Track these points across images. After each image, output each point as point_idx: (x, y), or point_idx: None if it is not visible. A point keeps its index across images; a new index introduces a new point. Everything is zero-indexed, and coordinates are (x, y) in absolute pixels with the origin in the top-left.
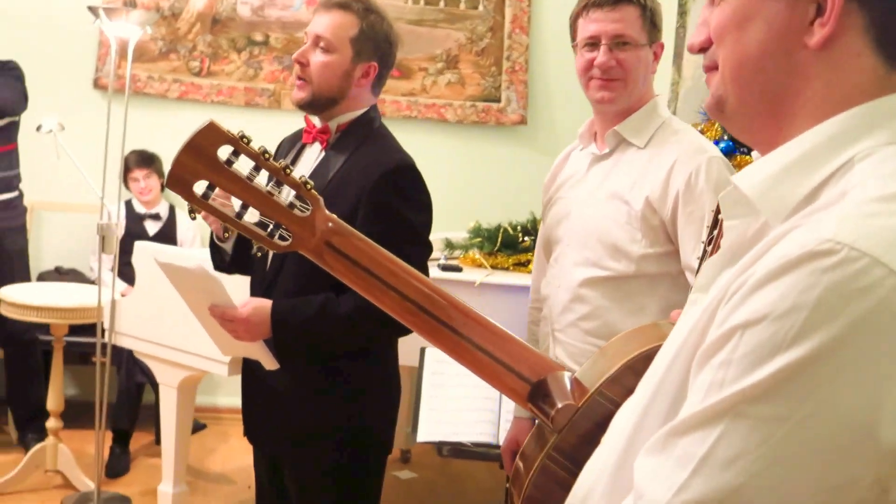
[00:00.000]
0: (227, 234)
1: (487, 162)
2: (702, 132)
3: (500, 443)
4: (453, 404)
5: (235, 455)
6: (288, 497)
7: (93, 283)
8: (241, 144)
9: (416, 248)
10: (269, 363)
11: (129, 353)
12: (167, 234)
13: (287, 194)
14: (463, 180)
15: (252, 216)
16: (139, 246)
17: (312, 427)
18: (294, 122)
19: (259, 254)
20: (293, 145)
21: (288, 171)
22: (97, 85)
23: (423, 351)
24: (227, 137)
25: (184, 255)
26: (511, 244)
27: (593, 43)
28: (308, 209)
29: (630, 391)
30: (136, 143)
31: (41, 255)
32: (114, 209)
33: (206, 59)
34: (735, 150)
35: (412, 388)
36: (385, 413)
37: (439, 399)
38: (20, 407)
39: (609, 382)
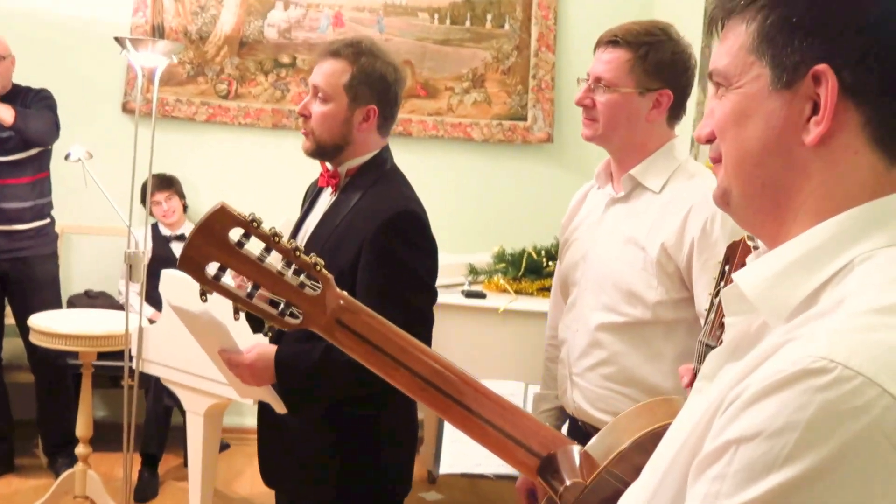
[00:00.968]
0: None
1: (513, 180)
2: None
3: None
4: None
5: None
6: None
7: (122, 306)
8: (251, 228)
9: (420, 295)
10: (279, 407)
11: (158, 377)
12: None
13: (298, 273)
14: (489, 200)
15: (263, 296)
16: (165, 275)
17: (325, 469)
18: None
19: (270, 334)
20: (314, 189)
21: (298, 252)
22: (125, 109)
23: None
24: (238, 221)
25: None
26: (535, 269)
27: (587, 80)
28: (318, 288)
29: (637, 470)
30: (165, 167)
31: (71, 278)
32: (140, 234)
33: (233, 81)
34: None
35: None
36: (399, 456)
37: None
38: (50, 432)
39: (617, 460)
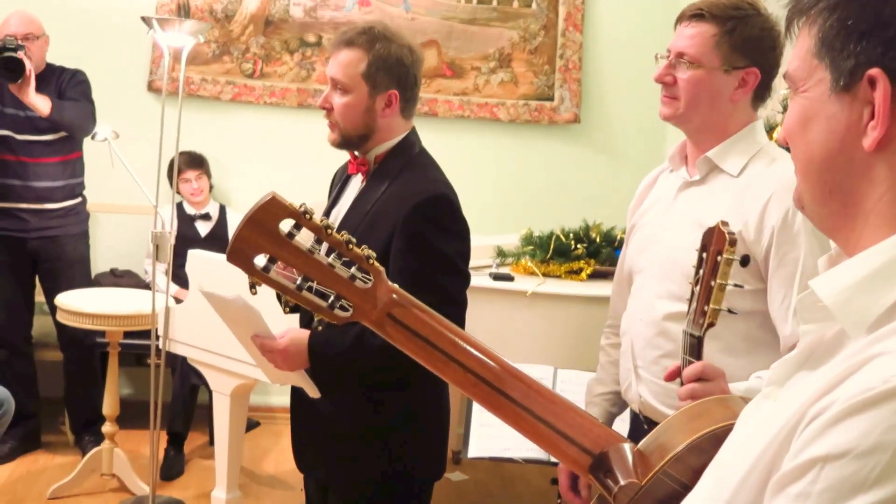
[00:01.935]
0: (287, 309)
1: (540, 161)
2: None
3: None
4: None
5: (288, 456)
6: None
7: (147, 285)
8: (303, 219)
9: (452, 279)
10: (312, 391)
11: (184, 356)
12: (219, 235)
13: (348, 265)
14: (516, 180)
15: (312, 288)
16: (192, 255)
17: (358, 457)
18: None
19: (320, 327)
20: (343, 175)
21: (351, 244)
22: (151, 88)
23: None
24: (289, 211)
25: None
26: (563, 252)
27: (667, 56)
28: (370, 280)
29: (694, 471)
30: (190, 146)
31: (97, 256)
32: (167, 213)
33: (258, 60)
34: None
35: (462, 401)
36: (430, 443)
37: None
38: (78, 411)
39: (674, 461)
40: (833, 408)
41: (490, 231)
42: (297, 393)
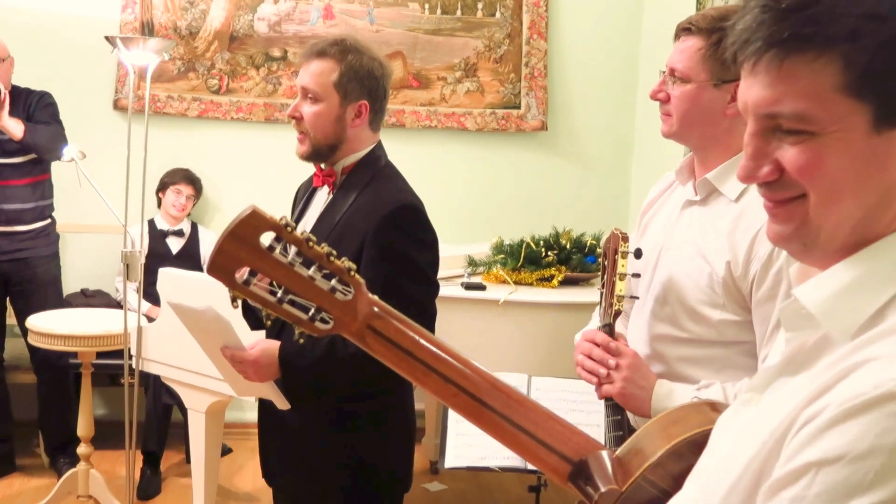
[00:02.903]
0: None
1: (509, 169)
2: None
3: (528, 466)
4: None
5: None
6: None
7: (119, 304)
8: (285, 232)
9: (423, 289)
10: (281, 403)
11: (157, 375)
12: (190, 252)
13: (328, 277)
14: (485, 189)
15: (293, 301)
16: (163, 273)
17: (325, 465)
18: None
19: (301, 339)
20: (307, 189)
21: (331, 257)
22: (117, 106)
23: None
24: (270, 224)
25: (204, 280)
26: (534, 260)
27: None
28: (350, 293)
29: (673, 476)
30: (158, 163)
31: (67, 277)
32: (136, 231)
33: (224, 76)
34: None
35: (439, 411)
36: (399, 451)
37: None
38: (52, 433)
39: (653, 467)
40: (825, 413)
41: (461, 240)
42: (264, 406)
